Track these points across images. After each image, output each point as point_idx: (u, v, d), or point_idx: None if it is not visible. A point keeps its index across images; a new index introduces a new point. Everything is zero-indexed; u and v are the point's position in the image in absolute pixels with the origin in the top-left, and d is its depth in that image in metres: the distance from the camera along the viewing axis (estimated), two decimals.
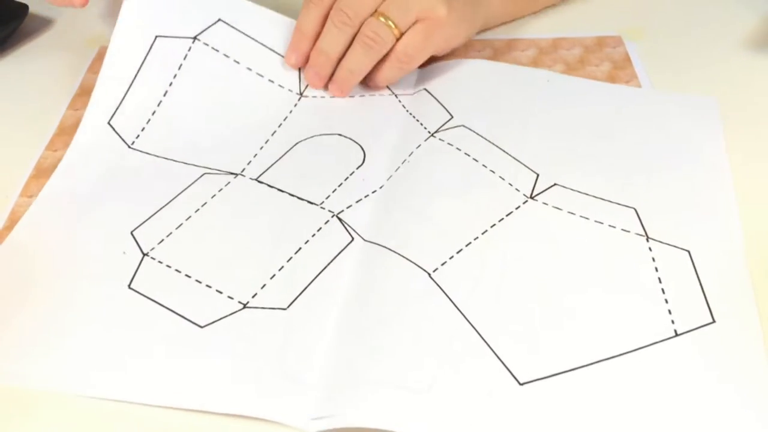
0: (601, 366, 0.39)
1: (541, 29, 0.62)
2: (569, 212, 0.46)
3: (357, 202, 0.48)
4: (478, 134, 0.51)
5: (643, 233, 0.45)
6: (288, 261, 0.44)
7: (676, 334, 0.40)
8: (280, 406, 0.37)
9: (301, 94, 0.55)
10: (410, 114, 0.54)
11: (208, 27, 0.54)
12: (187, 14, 0.55)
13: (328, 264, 0.44)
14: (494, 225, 0.45)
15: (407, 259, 0.44)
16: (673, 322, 0.40)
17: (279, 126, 0.53)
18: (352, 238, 0.45)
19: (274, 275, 0.43)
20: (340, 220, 0.46)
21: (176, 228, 0.46)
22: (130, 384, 0.39)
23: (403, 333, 0.40)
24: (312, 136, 0.52)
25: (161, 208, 0.47)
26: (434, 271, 0.43)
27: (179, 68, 0.53)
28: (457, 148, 0.50)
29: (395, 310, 0.41)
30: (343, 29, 0.51)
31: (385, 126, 0.53)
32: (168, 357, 0.40)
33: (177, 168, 0.50)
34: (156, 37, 0.53)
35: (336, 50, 0.52)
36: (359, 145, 0.52)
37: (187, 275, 0.43)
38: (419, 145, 0.51)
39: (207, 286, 0.43)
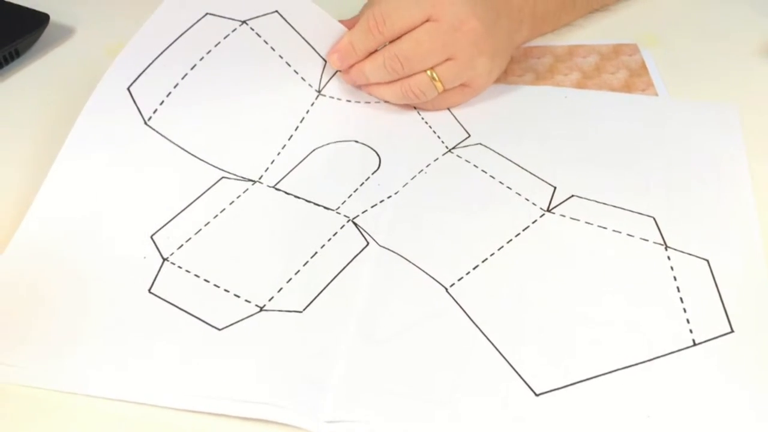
0: (617, 375, 0.39)
1: (558, 37, 0.62)
2: (587, 222, 0.46)
3: (372, 207, 0.48)
4: (495, 152, 0.52)
5: (662, 242, 0.45)
6: (304, 265, 0.44)
7: (695, 344, 0.40)
8: (294, 408, 0.38)
9: (319, 92, 0.55)
10: (429, 126, 0.54)
11: (263, 15, 0.54)
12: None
13: (344, 268, 0.44)
14: (511, 240, 0.46)
15: (425, 272, 0.44)
16: (691, 331, 0.40)
17: (296, 129, 0.53)
18: (367, 243, 0.46)
19: (290, 279, 0.44)
20: (355, 224, 0.47)
21: (195, 233, 0.47)
22: (149, 387, 0.39)
23: (421, 346, 0.40)
24: (328, 143, 0.53)
25: (180, 212, 0.48)
26: (451, 286, 0.43)
27: (216, 45, 0.53)
28: (474, 165, 0.51)
29: (413, 322, 0.42)
30: (391, 73, 0.52)
31: (402, 134, 0.54)
32: (186, 360, 0.40)
33: (194, 165, 0.50)
34: (206, 14, 0.53)
35: (377, 80, 0.53)
36: (375, 151, 0.52)
37: (205, 280, 0.44)
38: (437, 159, 0.51)
39: (225, 290, 0.43)
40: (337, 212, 0.48)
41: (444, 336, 0.41)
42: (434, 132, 0.54)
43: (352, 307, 0.42)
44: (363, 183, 0.50)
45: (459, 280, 0.44)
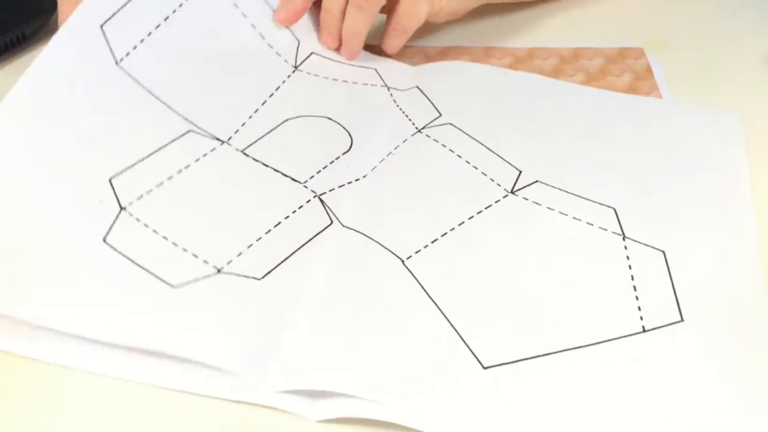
0: (566, 355, 0.39)
1: (564, 38, 0.62)
2: (548, 208, 0.47)
3: (339, 186, 0.48)
4: (464, 132, 0.52)
5: (621, 233, 0.45)
6: (266, 233, 0.44)
7: (644, 330, 0.40)
8: (243, 373, 0.37)
9: (296, 67, 0.55)
10: (400, 109, 0.54)
11: None
12: None
13: (306, 242, 0.44)
14: (472, 217, 0.46)
15: (382, 245, 0.44)
16: (641, 318, 0.41)
17: (270, 96, 0.52)
18: (332, 222, 0.45)
19: (251, 245, 0.43)
20: (321, 201, 0.46)
21: (157, 186, 0.45)
22: (96, 336, 0.38)
23: (375, 319, 0.40)
24: (301, 116, 0.52)
25: (142, 159, 0.45)
26: (408, 258, 0.43)
27: (180, 5, 0.52)
28: (442, 145, 0.51)
29: (368, 295, 0.41)
30: None
31: (374, 117, 0.54)
32: (137, 314, 0.39)
33: (162, 112, 0.48)
34: None
35: (338, 8, 0.55)
36: (347, 131, 0.52)
37: (164, 237, 0.42)
38: (405, 140, 0.51)
39: (183, 249, 0.42)
40: (305, 186, 0.47)
41: (399, 309, 0.41)
42: (406, 115, 0.54)
43: (311, 280, 0.42)
44: (333, 162, 0.49)
45: (416, 252, 0.44)
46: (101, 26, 0.49)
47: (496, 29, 0.64)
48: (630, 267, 0.43)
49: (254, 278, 0.41)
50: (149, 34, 0.51)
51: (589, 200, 0.47)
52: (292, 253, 0.43)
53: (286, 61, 0.55)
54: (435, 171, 0.49)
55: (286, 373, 0.38)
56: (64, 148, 0.45)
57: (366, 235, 0.45)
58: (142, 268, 0.40)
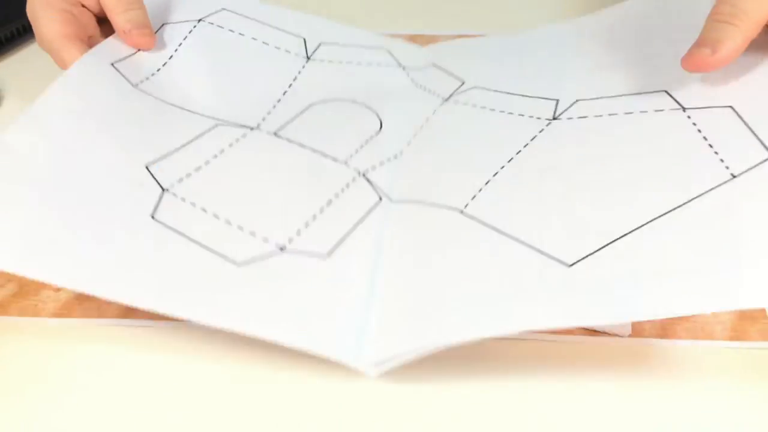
0: (651, 225, 0.37)
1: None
2: (596, 116, 0.45)
3: (380, 164, 0.46)
4: (492, 90, 0.51)
5: (679, 107, 0.43)
6: (321, 212, 0.42)
7: (733, 177, 0.38)
8: (337, 354, 0.35)
9: (308, 57, 0.55)
10: (422, 87, 0.54)
11: (212, 14, 0.56)
12: (193, 4, 0.56)
13: (362, 219, 0.42)
14: (519, 151, 0.44)
15: (436, 204, 0.42)
16: (727, 167, 0.38)
17: (289, 86, 0.53)
18: (380, 199, 0.44)
19: (308, 223, 0.41)
20: (367, 179, 0.45)
21: (195, 170, 0.43)
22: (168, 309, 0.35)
23: (448, 268, 0.38)
24: (325, 100, 0.52)
25: (174, 151, 0.44)
26: (465, 207, 0.42)
27: (184, 39, 0.53)
28: (473, 105, 0.50)
29: (433, 250, 0.40)
30: None
31: (397, 98, 0.53)
32: (206, 291, 0.36)
33: (185, 116, 0.47)
34: (163, 24, 0.54)
35: None
36: (375, 112, 0.51)
37: (214, 215, 0.40)
38: (435, 111, 0.50)
39: (238, 227, 0.40)
40: (346, 164, 0.46)
41: (468, 252, 0.39)
42: (429, 90, 0.53)
43: (378, 252, 0.40)
44: (368, 141, 0.48)
45: (472, 199, 0.42)
46: (112, 64, 0.49)
47: (504, 17, 0.64)
48: (699, 131, 0.41)
49: (320, 255, 0.39)
50: (158, 69, 0.51)
51: (637, 93, 0.45)
52: (352, 230, 0.41)
53: (297, 54, 0.55)
54: (472, 128, 0.48)
55: (380, 352, 0.35)
56: (94, 141, 0.42)
57: (417, 201, 0.43)
58: (199, 244, 0.38)
